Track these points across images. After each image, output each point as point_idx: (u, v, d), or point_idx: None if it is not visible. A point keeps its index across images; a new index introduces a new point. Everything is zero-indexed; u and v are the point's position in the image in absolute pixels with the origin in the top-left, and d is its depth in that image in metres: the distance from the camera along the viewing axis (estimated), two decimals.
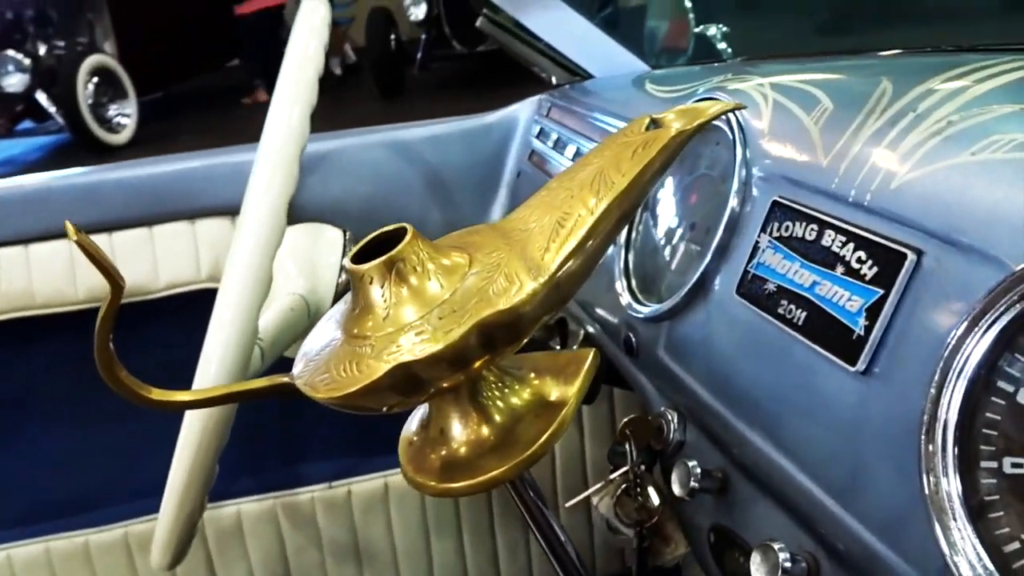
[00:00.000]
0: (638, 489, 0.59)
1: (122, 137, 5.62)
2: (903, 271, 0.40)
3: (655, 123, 0.42)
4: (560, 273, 0.39)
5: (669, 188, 0.66)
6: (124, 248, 1.02)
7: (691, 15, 1.06)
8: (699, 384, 0.54)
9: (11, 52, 5.29)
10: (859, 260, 0.43)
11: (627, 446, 0.59)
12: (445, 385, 0.39)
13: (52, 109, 5.37)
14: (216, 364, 0.62)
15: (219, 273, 1.04)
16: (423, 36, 5.99)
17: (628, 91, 0.85)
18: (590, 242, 0.40)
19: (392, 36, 6.12)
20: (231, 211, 1.05)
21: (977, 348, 0.35)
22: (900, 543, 0.38)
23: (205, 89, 6.97)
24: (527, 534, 1.20)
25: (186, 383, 0.89)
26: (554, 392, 0.44)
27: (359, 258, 0.41)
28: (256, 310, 0.59)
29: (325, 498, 1.13)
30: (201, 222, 1.04)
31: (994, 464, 0.35)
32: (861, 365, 0.41)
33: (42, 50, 5.60)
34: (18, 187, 1.02)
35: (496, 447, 0.42)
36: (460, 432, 0.43)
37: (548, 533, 0.56)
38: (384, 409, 0.40)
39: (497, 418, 0.43)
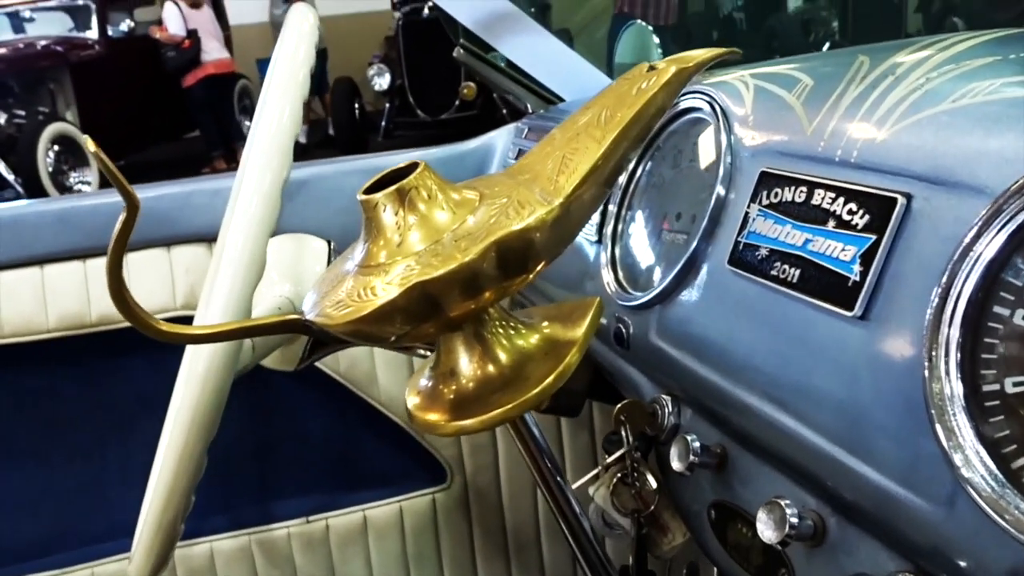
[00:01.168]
0: (635, 474, 0.58)
1: None
2: (894, 215, 0.41)
3: (653, 68, 0.44)
4: (571, 199, 0.40)
5: (652, 182, 0.67)
6: (99, 274, 1.01)
7: (659, 51, 1.10)
8: (695, 361, 0.54)
9: None
10: (850, 212, 0.44)
11: (622, 432, 0.59)
12: (454, 315, 0.39)
13: (11, 177, 5.32)
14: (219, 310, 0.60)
15: (194, 301, 1.02)
16: (387, 105, 6.10)
17: None
18: (598, 172, 0.41)
19: (356, 105, 6.24)
20: (208, 238, 1.04)
21: (972, 274, 0.36)
22: (908, 478, 0.38)
23: (165, 159, 6.96)
24: (509, 567, 1.17)
25: (162, 413, 0.87)
26: (561, 335, 0.44)
27: (370, 192, 0.41)
28: (253, 286, 0.58)
29: (302, 533, 1.09)
30: (177, 249, 1.03)
31: (996, 387, 0.36)
32: (858, 310, 0.42)
33: (2, 118, 5.59)
34: None
35: (504, 385, 0.42)
36: (468, 368, 0.43)
37: (554, 489, 0.54)
38: (392, 339, 0.40)
39: (504, 357, 0.43)
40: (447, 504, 1.14)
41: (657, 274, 0.63)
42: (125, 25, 6.39)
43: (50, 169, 5.35)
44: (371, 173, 1.09)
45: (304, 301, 0.44)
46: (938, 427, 0.36)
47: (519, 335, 0.44)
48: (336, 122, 6.20)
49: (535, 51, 0.98)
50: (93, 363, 1.05)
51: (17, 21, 6.63)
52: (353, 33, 7.32)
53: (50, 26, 6.48)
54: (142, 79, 6.42)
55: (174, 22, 6.11)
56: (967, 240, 0.37)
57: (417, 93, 5.97)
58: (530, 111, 1.07)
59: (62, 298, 1.00)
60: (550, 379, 0.41)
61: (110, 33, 6.24)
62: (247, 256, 0.56)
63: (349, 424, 1.13)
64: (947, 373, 0.36)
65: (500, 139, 1.07)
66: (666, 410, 0.59)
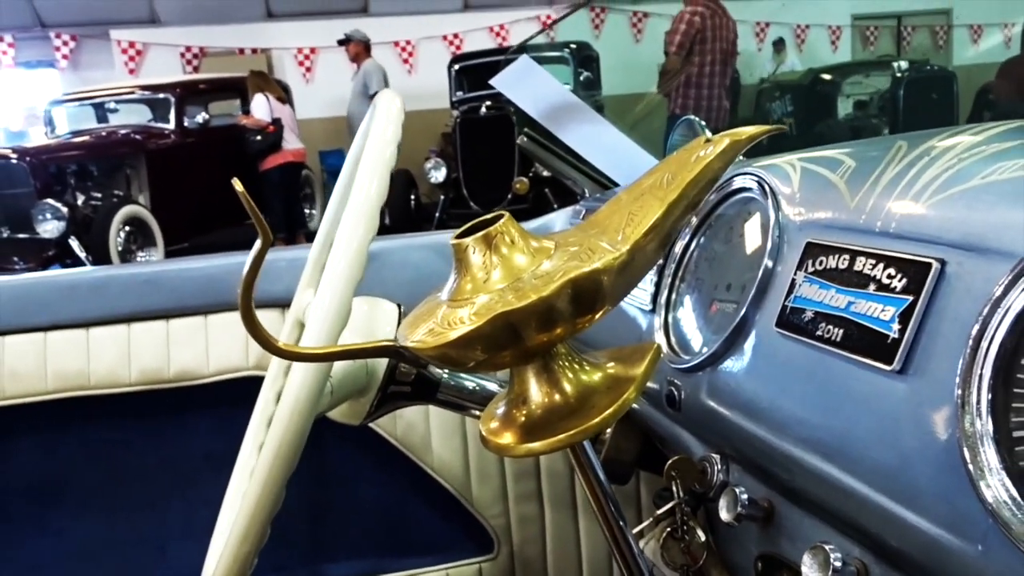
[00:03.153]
0: (684, 528, 0.61)
1: None
2: (929, 278, 0.45)
3: (709, 141, 0.49)
4: (636, 248, 0.44)
5: (704, 255, 0.72)
6: (179, 334, 1.08)
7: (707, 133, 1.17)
8: (745, 418, 0.58)
9: (50, 201, 5.58)
10: (889, 276, 0.48)
11: (673, 487, 0.62)
12: (529, 345, 0.44)
13: (83, 255, 5.59)
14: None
15: (266, 362, 1.08)
16: (441, 197, 6.32)
17: None
18: (660, 227, 0.45)
19: (412, 196, 6.48)
20: (281, 304, 1.11)
21: (1002, 324, 0.40)
22: (950, 522, 0.41)
23: (226, 243, 7.24)
24: None
25: (225, 471, 0.93)
26: (622, 372, 0.48)
27: (460, 237, 0.47)
28: (340, 332, 0.63)
29: None
30: (233, 314, 1.10)
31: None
32: (897, 364, 0.46)
33: (80, 200, 5.91)
34: (84, 275, 1.09)
35: (570, 414, 0.46)
36: (538, 396, 0.47)
37: (612, 523, 0.57)
38: (472, 364, 0.44)
39: (570, 389, 0.47)
40: (493, 574, 1.15)
41: (708, 339, 0.67)
42: (200, 117, 6.77)
43: (120, 248, 5.62)
44: (435, 247, 1.16)
45: (398, 331, 0.49)
46: (970, 466, 0.39)
47: (584, 370, 0.48)
48: (393, 211, 6.42)
49: (593, 139, 1.06)
50: (165, 419, 1.11)
51: (101, 111, 7.09)
52: (412, 129, 7.64)
53: (131, 116, 6.92)
54: (213, 167, 6.77)
55: (262, 110, 6.52)
56: (996, 295, 0.40)
57: (471, 186, 6.19)
58: (586, 195, 1.14)
59: (144, 355, 1.07)
60: (611, 409, 0.45)
61: (186, 124, 6.63)
62: (336, 304, 0.62)
63: (402, 489, 1.16)
64: (978, 414, 0.39)
65: (559, 220, 1.13)
66: (715, 467, 0.62)
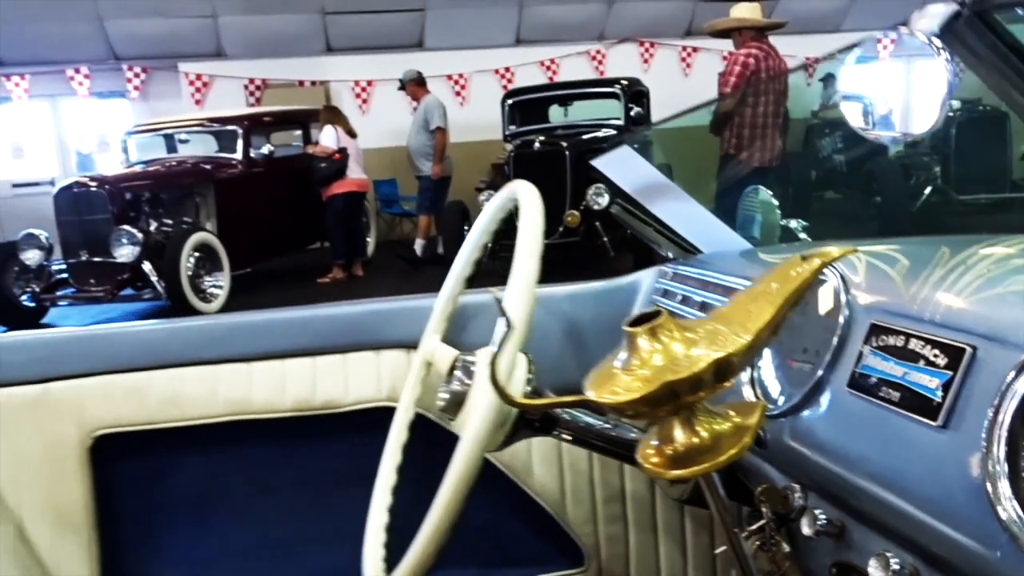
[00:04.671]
0: (771, 541, 0.78)
1: (213, 306, 6.09)
2: (964, 359, 0.62)
3: (805, 259, 0.67)
4: (756, 337, 0.62)
5: (784, 323, 0.89)
6: (323, 369, 1.28)
7: (778, 211, 1.34)
8: (821, 456, 0.74)
9: (127, 227, 5.91)
10: (935, 355, 0.65)
11: (762, 509, 0.79)
12: (681, 403, 0.61)
13: (155, 278, 5.90)
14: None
15: (396, 395, 1.27)
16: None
17: (744, 259, 1.11)
18: (772, 322, 0.63)
19: (465, 227, 6.68)
20: (407, 345, 1.30)
21: (1013, 400, 0.57)
22: (979, 535, 0.58)
23: (286, 268, 7.54)
24: None
25: (354, 489, 1.12)
26: (741, 422, 0.65)
27: (632, 326, 0.65)
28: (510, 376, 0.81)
29: None
30: (384, 352, 1.30)
31: None
32: (940, 421, 0.63)
33: (152, 226, 6.25)
34: (246, 318, 1.29)
35: (705, 452, 0.63)
36: (682, 438, 0.64)
37: (733, 538, 0.74)
38: (632, 413, 0.62)
39: (705, 434, 0.64)
40: None
41: (787, 392, 0.84)
42: (265, 148, 7.10)
43: (189, 273, 5.92)
44: (538, 300, 1.34)
45: (587, 388, 0.67)
46: (991, 495, 0.56)
47: (715, 420, 0.66)
48: (447, 241, 6.65)
49: (679, 212, 1.24)
50: (310, 441, 1.31)
51: (171, 142, 7.48)
52: (464, 160, 7.89)
53: (199, 146, 7.29)
54: (276, 196, 7.09)
55: (330, 139, 6.84)
56: (1009, 379, 0.57)
57: None
58: (669, 256, 1.32)
59: (295, 386, 1.27)
60: (735, 449, 0.63)
61: (252, 154, 6.96)
62: (511, 358, 0.80)
63: (504, 507, 1.34)
64: (997, 459, 0.56)
65: (646, 278, 1.31)
66: (796, 494, 0.78)
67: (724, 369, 0.61)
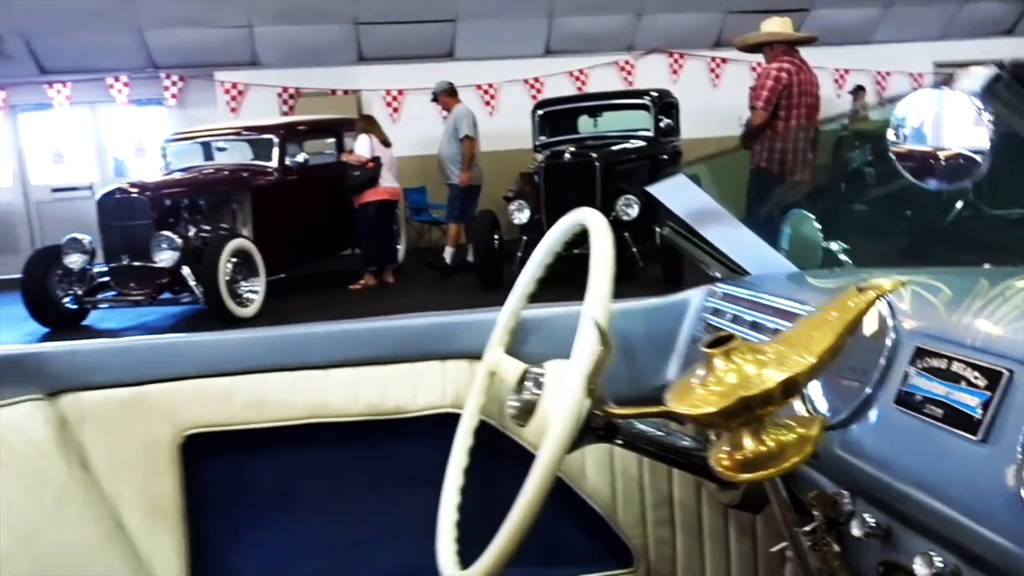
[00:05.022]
0: (822, 542, 0.86)
1: (249, 311, 6.24)
2: (1002, 381, 0.70)
3: (861, 290, 0.75)
4: (820, 359, 0.70)
5: None
6: (393, 376, 1.37)
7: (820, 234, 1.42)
8: (870, 466, 0.82)
9: (167, 232, 6.08)
10: (975, 377, 0.73)
11: (814, 512, 0.87)
12: (753, 415, 0.70)
13: (193, 283, 6.05)
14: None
15: (461, 402, 1.36)
16: (524, 237, 6.59)
17: (793, 282, 1.20)
18: (833, 348, 0.72)
19: (495, 236, 6.77)
20: (470, 356, 1.39)
21: None
22: (1011, 535, 0.66)
23: (319, 274, 7.68)
24: None
25: (421, 487, 1.21)
26: (803, 433, 0.74)
27: (710, 347, 0.73)
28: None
29: None
30: (449, 362, 1.39)
31: None
32: (980, 436, 0.71)
33: (191, 232, 6.41)
34: (323, 328, 1.39)
35: (770, 459, 0.72)
36: (751, 446, 0.73)
37: (795, 535, 0.82)
38: (708, 423, 0.71)
39: (771, 443, 0.73)
40: None
41: (835, 407, 0.92)
42: (301, 156, 7.25)
43: (227, 278, 6.06)
44: (573, 317, 1.42)
45: (669, 401, 0.76)
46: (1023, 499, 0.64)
47: (780, 431, 0.74)
48: (477, 250, 6.74)
49: (728, 236, 1.32)
50: (380, 443, 1.41)
51: (209, 149, 7.66)
52: (492, 169, 7.98)
53: (235, 154, 7.46)
54: (311, 203, 7.24)
55: (364, 147, 6.98)
56: None
57: None
58: (718, 276, 1.40)
59: (367, 392, 1.36)
60: (798, 457, 0.71)
61: (287, 162, 7.12)
62: (585, 377, 0.89)
63: (557, 509, 1.42)
64: None
65: (695, 297, 1.39)
66: (845, 500, 0.86)
67: (791, 388, 0.70)
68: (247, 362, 1.35)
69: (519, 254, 6.57)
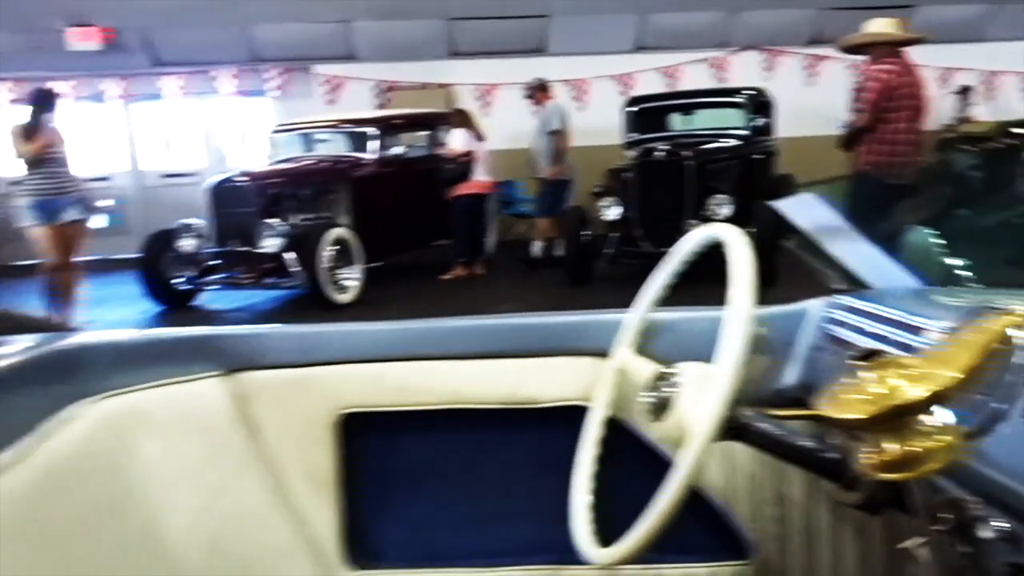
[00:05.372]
0: (952, 543, 0.93)
1: (347, 297, 6.50)
2: None
3: (995, 312, 0.83)
4: (967, 376, 0.79)
5: None
6: (526, 369, 1.49)
7: (940, 249, 1.47)
8: (997, 472, 0.90)
9: (275, 220, 6.38)
10: None
11: (942, 515, 0.94)
12: (903, 420, 0.79)
13: (295, 269, 6.34)
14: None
15: (587, 395, 1.47)
16: (613, 234, 6.65)
17: (919, 298, 1.26)
18: (978, 366, 0.80)
19: (584, 232, 6.83)
20: (598, 353, 1.50)
21: None
22: None
23: (411, 264, 7.91)
24: None
25: (549, 471, 1.32)
26: (944, 441, 0.82)
27: (854, 360, 0.82)
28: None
29: None
30: (578, 358, 1.50)
31: None
32: None
33: (294, 220, 6.71)
34: (464, 321, 1.52)
35: (913, 461, 0.81)
36: (896, 448, 0.81)
37: (932, 535, 0.91)
38: (858, 429, 0.80)
39: (916, 448, 0.81)
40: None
41: (967, 418, 0.99)
42: (398, 149, 7.48)
43: (327, 265, 6.33)
44: (717, 321, 1.50)
45: (819, 406, 0.85)
46: None
47: (923, 438, 0.82)
48: (567, 245, 6.84)
49: (851, 249, 1.39)
50: (512, 430, 1.53)
51: (310, 140, 7.98)
52: (578, 164, 8.04)
53: (336, 146, 7.75)
54: (408, 194, 7.48)
55: (459, 141, 7.18)
56: None
57: (647, 226, 6.48)
58: (839, 288, 1.47)
59: (503, 382, 1.48)
60: (939, 462, 0.80)
61: (385, 154, 7.35)
62: (734, 382, 0.99)
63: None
64: None
65: (813, 307, 1.46)
66: (972, 504, 0.94)
67: (939, 398, 0.78)
68: (397, 350, 1.49)
69: (608, 251, 6.64)
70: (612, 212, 6.60)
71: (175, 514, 1.32)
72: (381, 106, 9.79)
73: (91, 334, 1.44)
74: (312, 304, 6.33)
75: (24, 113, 5.59)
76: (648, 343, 1.46)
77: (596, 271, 6.82)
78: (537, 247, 7.81)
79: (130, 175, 10.25)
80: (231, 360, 1.45)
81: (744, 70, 9.99)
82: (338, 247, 6.47)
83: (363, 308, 6.40)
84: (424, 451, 1.54)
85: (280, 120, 9.04)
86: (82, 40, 9.12)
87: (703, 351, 1.31)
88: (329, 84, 10.07)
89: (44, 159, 5.39)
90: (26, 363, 1.24)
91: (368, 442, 1.51)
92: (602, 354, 1.48)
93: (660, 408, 1.13)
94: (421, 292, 6.93)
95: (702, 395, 1.09)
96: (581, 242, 6.77)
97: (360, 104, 9.76)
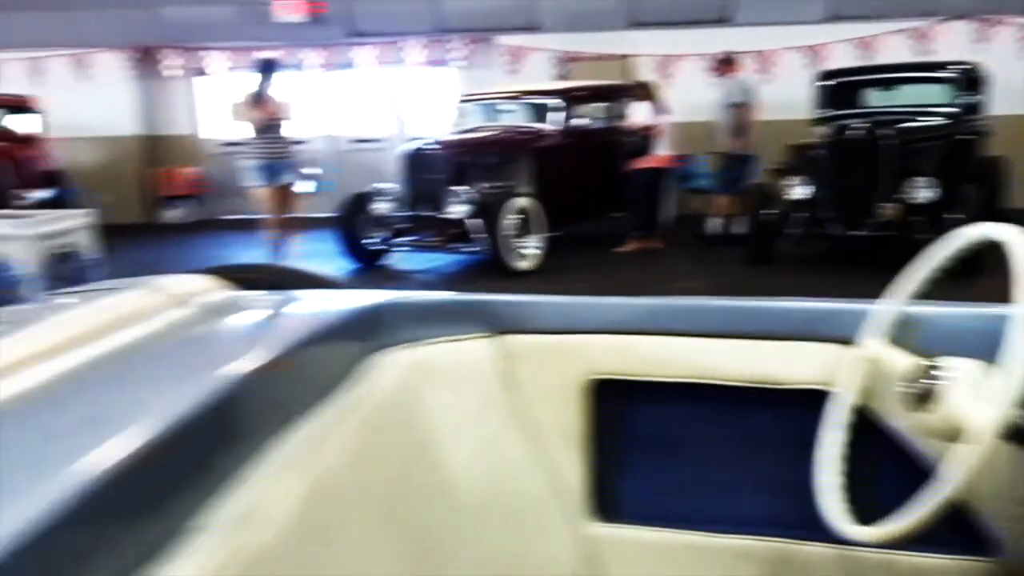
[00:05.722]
0: None
1: (527, 265, 6.71)
2: None
3: None
4: None
5: None
6: (770, 351, 1.53)
7: None
8: None
9: (461, 187, 6.67)
10: None
11: None
12: None
13: (479, 235, 6.60)
14: None
15: (829, 380, 1.49)
16: (797, 214, 6.40)
17: None
18: None
19: (766, 211, 6.63)
20: (843, 340, 1.51)
21: None
22: None
23: (584, 235, 8.01)
24: None
25: (781, 448, 1.36)
26: None
27: None
28: None
29: (843, 556, 1.51)
30: (822, 344, 1.53)
31: None
32: None
33: (480, 187, 6.96)
34: (708, 302, 1.59)
35: None
36: None
37: None
38: None
39: None
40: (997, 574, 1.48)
41: None
42: (582, 120, 7.57)
43: (510, 233, 6.55)
44: (985, 319, 1.49)
45: None
46: None
47: None
48: (750, 223, 6.70)
49: None
50: (752, 409, 1.59)
51: (492, 112, 8.20)
52: (761, 138, 7.79)
53: (520, 116, 7.93)
54: (589, 165, 7.56)
55: (643, 113, 7.19)
56: None
57: (837, 208, 6.22)
58: None
59: (746, 362, 1.54)
60: None
61: (569, 125, 7.46)
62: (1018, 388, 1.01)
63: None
64: None
65: None
66: None
67: None
68: (647, 324, 1.59)
69: (793, 231, 6.39)
70: (798, 191, 6.37)
71: (456, 458, 1.49)
72: (561, 77, 9.88)
73: (386, 293, 1.63)
74: (492, 270, 6.58)
75: (250, 81, 6.13)
76: (904, 335, 1.47)
77: (777, 251, 6.63)
78: (715, 223, 7.70)
79: (324, 140, 10.95)
80: (499, 323, 1.60)
81: (951, 41, 9.26)
82: (521, 215, 6.67)
83: (541, 276, 6.59)
84: (668, 420, 1.63)
85: (463, 90, 9.36)
86: (289, 12, 9.80)
87: (971, 348, 1.31)
88: (511, 54, 10.26)
89: (269, 125, 5.91)
90: (343, 315, 1.44)
91: (616, 407, 1.62)
92: (844, 341, 1.50)
93: (922, 399, 1.15)
94: (596, 263, 7.02)
95: (981, 394, 1.10)
96: (763, 220, 6.60)
97: (540, 75, 9.90)
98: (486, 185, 6.92)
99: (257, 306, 1.51)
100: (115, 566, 0.73)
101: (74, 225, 3.95)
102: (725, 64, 7.56)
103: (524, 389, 1.63)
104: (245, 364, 1.09)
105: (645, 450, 1.66)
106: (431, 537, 1.39)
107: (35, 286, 3.53)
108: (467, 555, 1.49)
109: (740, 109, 7.27)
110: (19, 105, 9.21)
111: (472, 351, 1.59)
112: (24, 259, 3.59)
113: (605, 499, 1.66)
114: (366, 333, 1.46)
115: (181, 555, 0.79)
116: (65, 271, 3.72)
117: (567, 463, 1.63)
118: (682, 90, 9.42)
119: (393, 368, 1.45)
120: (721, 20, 9.75)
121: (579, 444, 1.64)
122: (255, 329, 1.48)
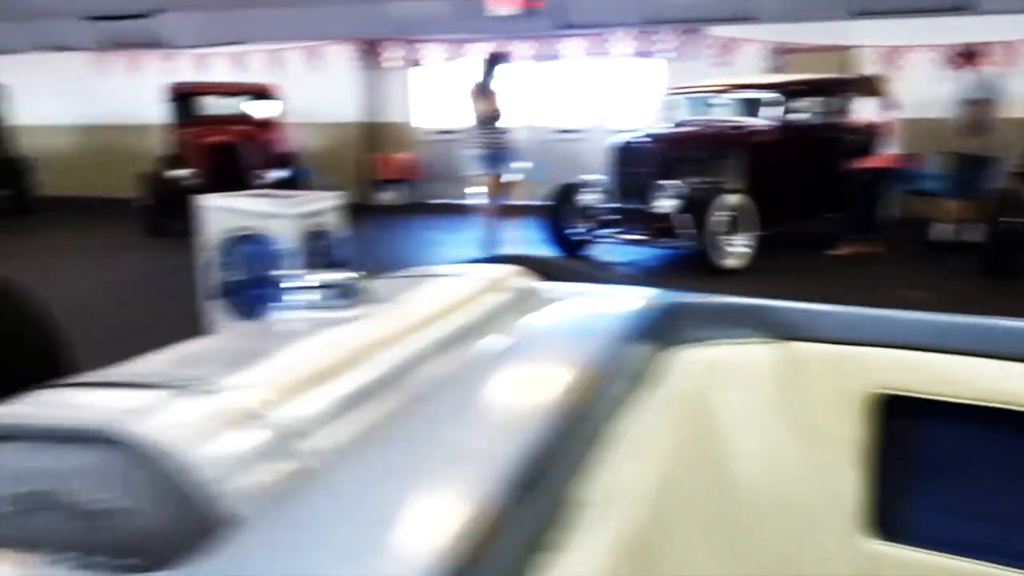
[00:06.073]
0: None
1: (736, 263, 6.55)
2: None
3: None
4: None
5: None
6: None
7: None
8: None
9: (672, 181, 6.61)
10: None
11: None
12: None
13: (686, 231, 6.52)
14: None
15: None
16: None
17: None
18: None
19: (1011, 219, 6.07)
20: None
21: None
22: None
23: (795, 235, 7.68)
24: None
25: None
26: None
27: None
28: None
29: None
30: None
31: None
32: None
33: (690, 182, 6.87)
34: (1003, 322, 1.51)
35: None
36: None
37: None
38: None
39: None
40: None
41: None
42: (800, 115, 7.26)
43: (719, 231, 6.42)
44: None
45: None
46: None
47: None
48: (989, 231, 6.15)
49: None
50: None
51: (701, 105, 8.03)
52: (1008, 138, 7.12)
53: (731, 110, 7.73)
54: (805, 163, 7.25)
55: (870, 110, 6.83)
56: None
57: None
58: None
59: None
60: None
61: (786, 120, 7.18)
62: None
63: None
64: None
65: None
66: None
67: None
68: (935, 340, 1.53)
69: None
70: None
71: (738, 455, 1.52)
72: (778, 69, 9.51)
73: (671, 294, 1.69)
74: (698, 267, 6.48)
75: (473, 73, 6.41)
76: None
77: (1016, 264, 6.05)
78: (943, 229, 7.14)
79: (527, 130, 11.23)
80: (784, 329, 1.61)
81: None
82: (731, 212, 6.52)
83: (750, 276, 6.41)
84: (958, 443, 1.57)
85: (670, 82, 9.24)
86: (502, 5, 10.11)
87: None
88: (721, 46, 10.01)
89: (492, 116, 6.17)
90: (642, 313, 1.50)
91: (902, 424, 1.58)
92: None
93: None
94: (809, 266, 6.74)
95: None
96: (1004, 228, 6.04)
97: (750, 67, 9.59)
98: (696, 180, 6.82)
99: (560, 297, 1.61)
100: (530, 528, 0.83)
101: (326, 206, 4.32)
102: (967, 57, 6.97)
103: (805, 396, 1.63)
104: (573, 354, 1.18)
105: (933, 472, 1.61)
106: (723, 527, 1.44)
107: (294, 261, 3.91)
108: (747, 549, 1.52)
109: (980, 106, 6.67)
110: (262, 92, 10.14)
111: (755, 355, 1.61)
112: (286, 235, 3.98)
113: (886, 517, 1.62)
114: (661, 331, 1.52)
115: (579, 526, 0.88)
116: (319, 247, 4.09)
117: (845, 475, 1.62)
118: (910, 84, 8.79)
119: (685, 366, 1.50)
120: (958, 8, 8.97)
121: (860, 457, 1.62)
122: (572, 323, 1.58)
